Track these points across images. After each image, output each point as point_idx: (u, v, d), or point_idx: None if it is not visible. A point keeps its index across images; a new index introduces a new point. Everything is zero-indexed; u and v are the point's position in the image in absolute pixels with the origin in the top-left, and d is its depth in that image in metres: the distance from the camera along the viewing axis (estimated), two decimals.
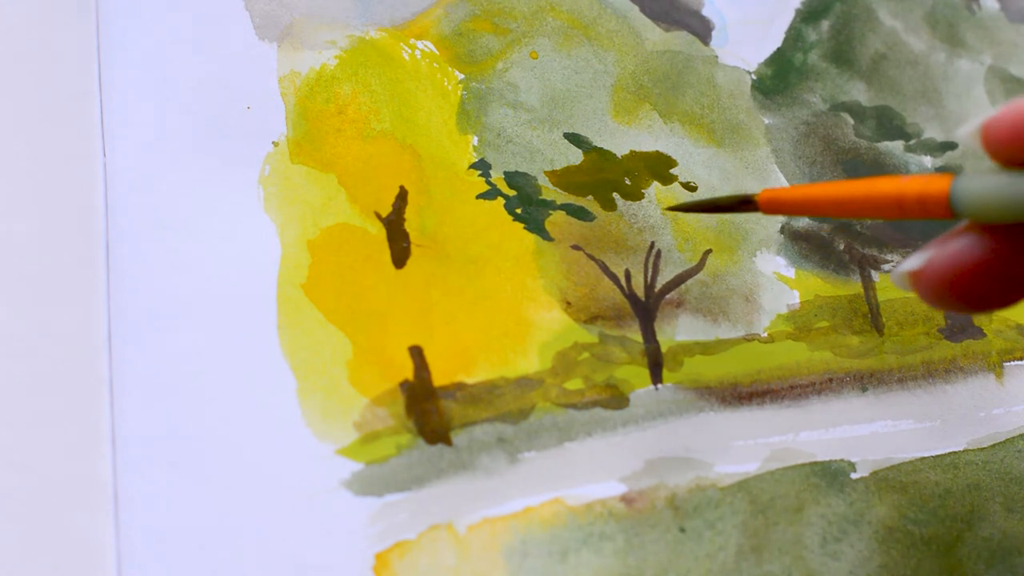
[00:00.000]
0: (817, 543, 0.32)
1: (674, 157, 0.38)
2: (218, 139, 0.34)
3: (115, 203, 0.33)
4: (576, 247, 0.35)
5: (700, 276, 0.36)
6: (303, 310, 0.32)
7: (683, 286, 0.36)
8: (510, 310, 0.34)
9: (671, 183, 0.37)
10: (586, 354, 0.34)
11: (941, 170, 0.41)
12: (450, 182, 0.35)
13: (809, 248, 0.37)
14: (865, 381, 0.35)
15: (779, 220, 0.38)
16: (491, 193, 0.36)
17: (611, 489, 0.32)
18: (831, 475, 0.33)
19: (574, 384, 0.33)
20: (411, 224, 0.34)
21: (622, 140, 0.38)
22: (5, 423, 0.30)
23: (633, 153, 0.38)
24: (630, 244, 0.36)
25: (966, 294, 0.26)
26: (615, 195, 0.37)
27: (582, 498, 0.31)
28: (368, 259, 0.34)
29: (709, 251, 0.36)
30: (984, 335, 0.37)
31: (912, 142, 0.41)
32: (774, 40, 0.42)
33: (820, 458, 0.34)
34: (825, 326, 0.36)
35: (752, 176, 0.38)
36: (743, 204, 0.31)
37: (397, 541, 0.30)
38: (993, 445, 0.35)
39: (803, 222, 0.38)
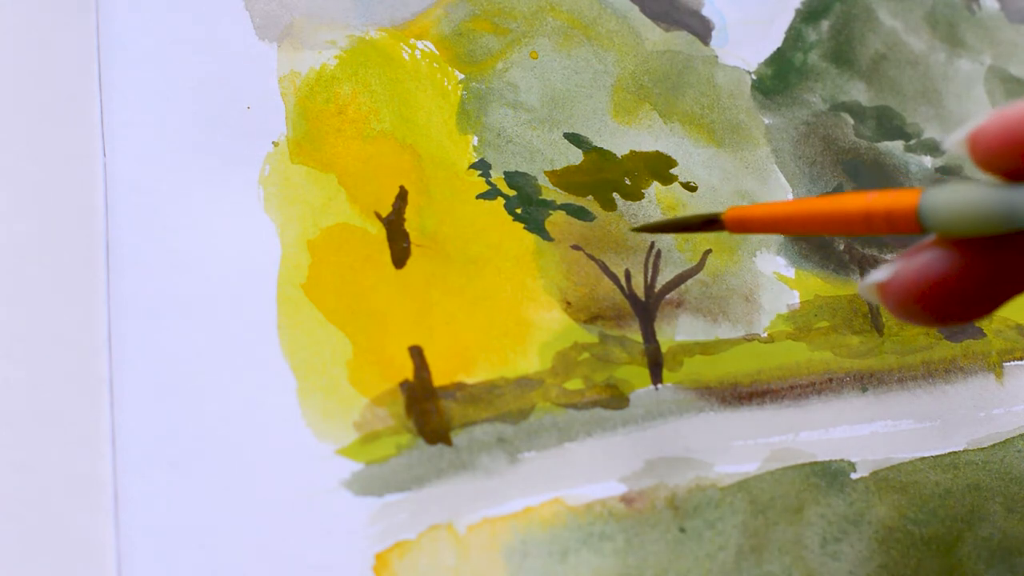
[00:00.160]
0: (817, 543, 0.32)
1: (674, 157, 0.38)
2: (218, 139, 0.34)
3: (115, 203, 0.33)
4: (576, 247, 0.35)
5: (700, 276, 0.36)
6: (303, 310, 0.32)
7: (683, 286, 0.36)
8: (510, 310, 0.34)
9: (671, 183, 0.37)
10: (586, 354, 0.34)
11: (941, 170, 0.41)
12: (450, 182, 0.35)
13: (809, 248, 0.37)
14: (865, 381, 0.35)
15: None
16: (491, 193, 0.36)
17: (611, 489, 0.32)
18: (831, 475, 0.33)
19: (574, 384, 0.33)
20: (411, 224, 0.34)
21: (622, 140, 0.38)
22: (5, 423, 0.30)
23: (633, 153, 0.38)
24: (630, 244, 0.36)
25: (932, 307, 0.26)
26: (615, 195, 0.37)
27: (582, 498, 0.32)
28: (368, 259, 0.34)
29: (709, 251, 0.36)
30: (984, 335, 0.37)
31: (912, 142, 0.41)
32: (774, 40, 0.42)
33: (820, 458, 0.34)
34: (825, 326, 0.36)
35: (752, 176, 0.38)
36: (709, 223, 0.31)
37: (397, 541, 0.30)
38: (993, 445, 0.35)
39: None
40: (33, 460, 0.29)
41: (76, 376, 0.30)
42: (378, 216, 0.34)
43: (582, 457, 0.32)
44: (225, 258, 0.33)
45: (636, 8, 0.41)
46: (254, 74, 0.36)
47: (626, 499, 0.32)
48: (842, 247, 0.38)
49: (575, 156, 0.37)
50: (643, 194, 0.37)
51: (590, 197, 0.36)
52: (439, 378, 0.32)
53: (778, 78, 0.41)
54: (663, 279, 0.36)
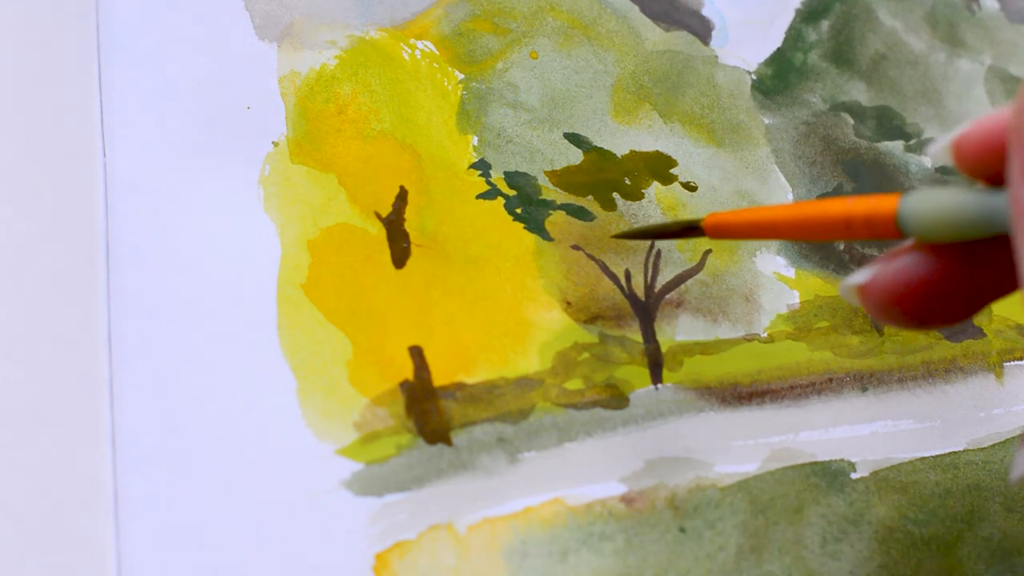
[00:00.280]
0: (817, 543, 0.32)
1: (674, 157, 0.38)
2: (218, 139, 0.34)
3: (115, 203, 0.33)
4: (576, 247, 0.35)
5: (700, 276, 0.36)
6: (303, 310, 0.32)
7: (683, 286, 0.36)
8: (510, 310, 0.34)
9: (671, 183, 0.37)
10: (586, 354, 0.34)
11: (941, 170, 0.41)
12: (450, 182, 0.35)
13: (809, 248, 0.37)
14: (865, 381, 0.35)
15: None
16: (491, 193, 0.36)
17: (611, 489, 0.32)
18: (831, 475, 0.33)
19: (574, 384, 0.33)
20: (411, 224, 0.34)
21: (622, 140, 0.38)
22: (5, 423, 0.30)
23: (633, 153, 0.38)
24: (630, 244, 0.36)
25: (910, 310, 0.27)
26: (615, 195, 0.37)
27: (582, 498, 0.31)
28: (368, 259, 0.34)
29: (709, 251, 0.36)
30: (984, 335, 0.37)
31: (912, 142, 0.41)
32: (774, 40, 0.42)
33: (820, 458, 0.34)
34: (825, 326, 0.36)
35: (752, 176, 0.38)
36: (689, 230, 0.31)
37: (397, 541, 0.30)
38: (993, 445, 0.35)
39: None
40: (33, 460, 0.29)
41: (76, 376, 0.30)
42: (378, 216, 0.34)
43: (582, 457, 0.32)
44: (225, 258, 0.33)
45: (636, 8, 0.41)
46: (254, 74, 0.36)
47: (626, 499, 0.32)
48: (842, 247, 0.38)
49: (575, 156, 0.37)
50: (643, 194, 0.37)
51: (590, 197, 0.36)
52: (439, 378, 0.32)
53: (778, 78, 0.41)
54: (663, 279, 0.36)
